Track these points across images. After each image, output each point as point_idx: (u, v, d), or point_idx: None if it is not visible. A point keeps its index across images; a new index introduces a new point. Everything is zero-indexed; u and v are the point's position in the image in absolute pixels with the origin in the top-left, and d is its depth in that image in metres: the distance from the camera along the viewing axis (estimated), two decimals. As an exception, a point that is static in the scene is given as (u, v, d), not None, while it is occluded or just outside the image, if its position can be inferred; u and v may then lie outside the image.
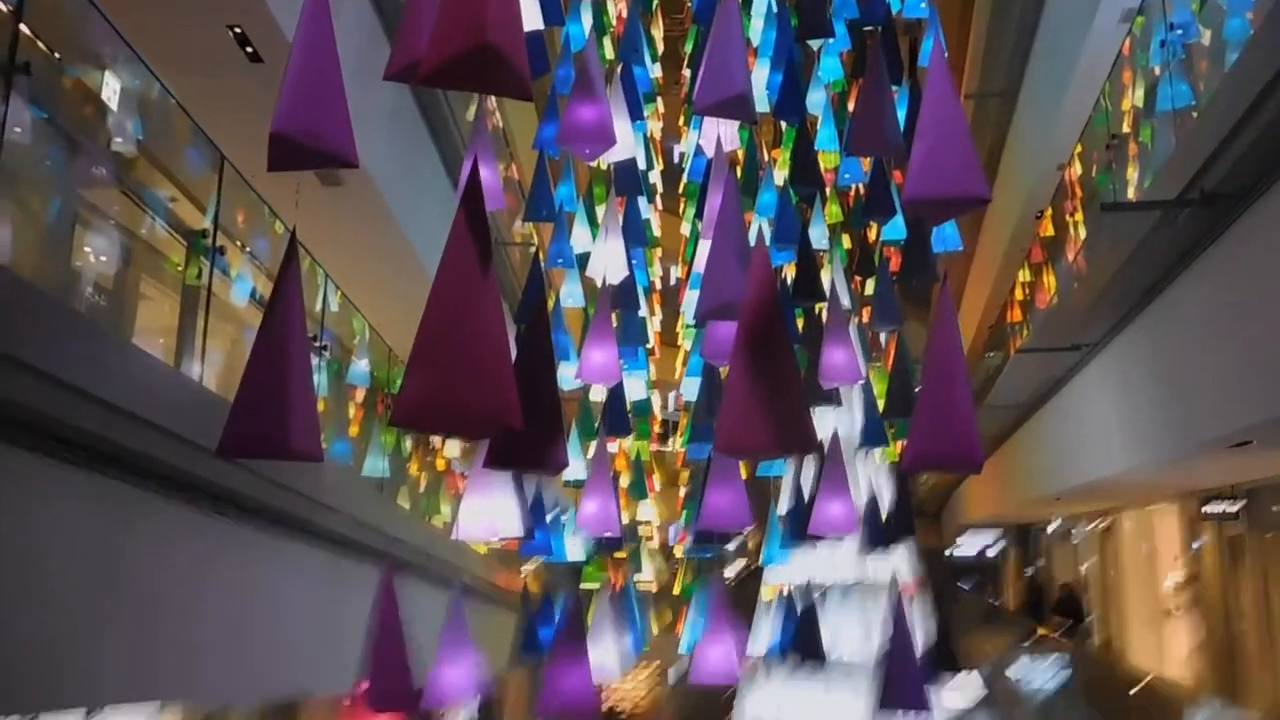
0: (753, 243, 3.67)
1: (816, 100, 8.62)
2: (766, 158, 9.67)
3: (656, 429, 16.69)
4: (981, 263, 22.98)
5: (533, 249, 12.23)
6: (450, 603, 4.72)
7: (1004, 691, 15.49)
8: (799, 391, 3.42)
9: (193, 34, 7.37)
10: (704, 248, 7.47)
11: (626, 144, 6.46)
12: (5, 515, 4.72)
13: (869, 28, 7.97)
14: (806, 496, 8.68)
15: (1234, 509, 14.01)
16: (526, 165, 13.71)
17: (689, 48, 10.53)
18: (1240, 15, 8.10)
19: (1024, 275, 16.24)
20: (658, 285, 14.58)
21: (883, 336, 11.81)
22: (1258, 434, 8.81)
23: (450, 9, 2.67)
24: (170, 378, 6.42)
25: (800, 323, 8.22)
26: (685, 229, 12.55)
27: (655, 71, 10.66)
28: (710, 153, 7.17)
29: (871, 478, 10.38)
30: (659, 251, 13.47)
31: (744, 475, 6.13)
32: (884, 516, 8.47)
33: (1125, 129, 10.96)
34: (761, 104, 7.35)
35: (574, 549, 9.63)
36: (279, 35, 7.23)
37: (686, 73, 11.14)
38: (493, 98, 5.64)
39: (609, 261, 7.12)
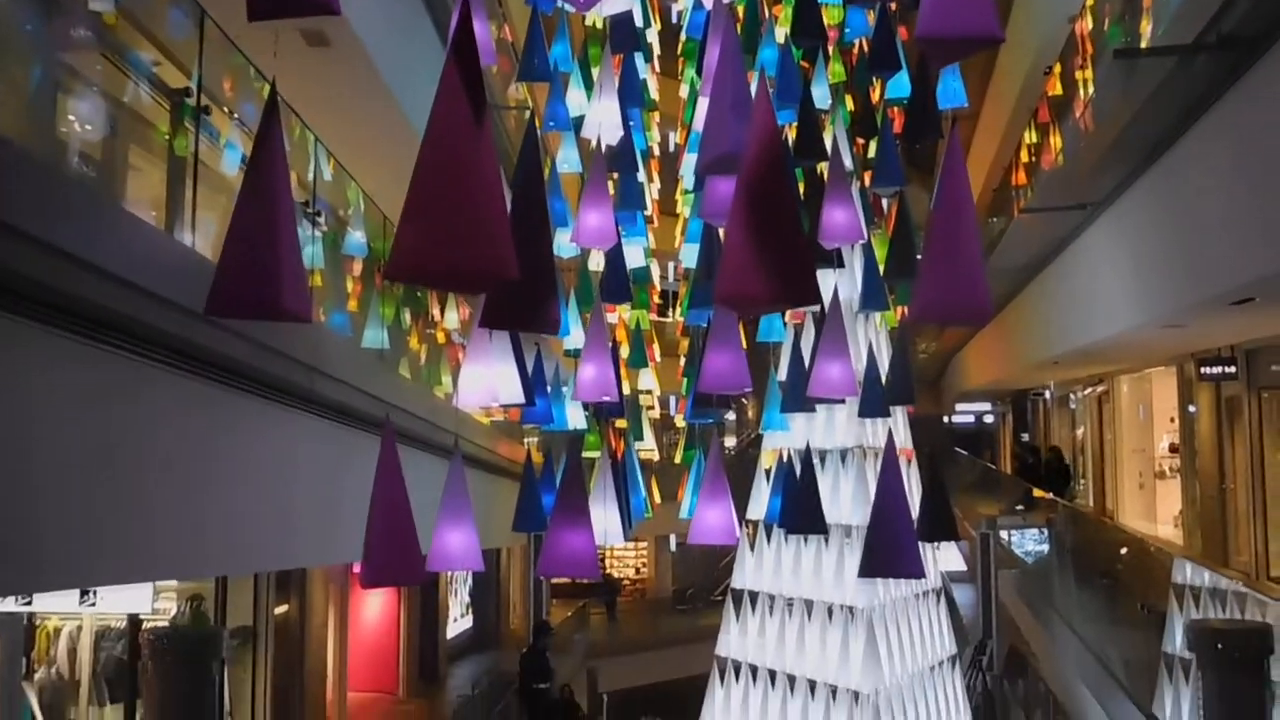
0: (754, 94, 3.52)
1: (818, -52, 8.25)
2: (767, 14, 9.33)
3: (656, 299, 16.61)
4: (986, 125, 22.57)
5: (528, 113, 11.94)
6: (451, 467, 4.71)
7: (999, 554, 15.85)
8: (801, 241, 3.33)
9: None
10: (703, 106, 7.27)
11: (622, -6, 6.23)
12: (-1, 385, 4.69)
13: None
14: (806, 362, 8.67)
15: (1231, 369, 14.10)
16: (520, 28, 13.27)
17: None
18: None
19: (1030, 137, 15.93)
20: (656, 151, 14.29)
21: (885, 202, 11.65)
22: (1261, 290, 8.76)
23: None
24: (166, 244, 6.30)
25: (801, 186, 8.05)
26: (684, 91, 12.21)
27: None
28: (709, 3, 6.92)
29: (871, 341, 10.36)
30: (657, 116, 13.15)
31: (743, 343, 6.11)
32: (883, 381, 8.50)
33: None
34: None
35: (575, 417, 9.69)
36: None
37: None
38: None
39: (605, 121, 6.95)
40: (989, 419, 36.54)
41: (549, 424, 9.10)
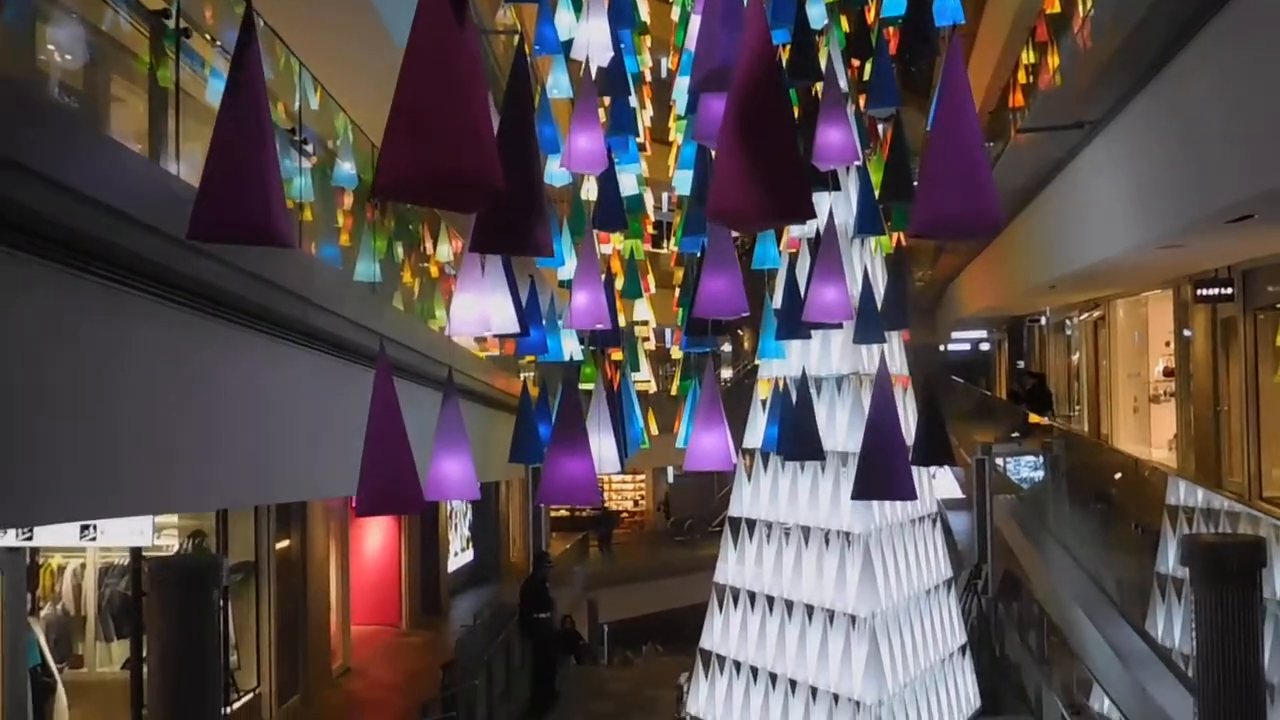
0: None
1: None
2: (760, -70, 9.09)
3: (650, 230, 16.48)
4: (983, 47, 22.20)
5: (516, 37, 11.74)
6: (445, 395, 4.67)
7: (994, 479, 15.95)
8: (794, 153, 3.25)
9: None
10: (695, 26, 7.11)
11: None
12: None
13: None
14: (802, 289, 8.62)
15: (1228, 291, 14.05)
16: (505, -50, 12.96)
17: None
18: None
19: (1027, 57, 15.68)
20: (648, 76, 14.07)
21: (880, 128, 11.51)
22: (1260, 207, 8.68)
23: None
24: (153, 173, 6.19)
25: (795, 109, 7.92)
26: (675, 14, 11.98)
27: None
28: (699, -82, 6.73)
29: (866, 266, 10.29)
30: (648, 40, 12.91)
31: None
32: (878, 306, 8.45)
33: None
34: None
35: (570, 348, 9.66)
36: None
37: None
38: None
39: (594, 41, 6.80)
40: (985, 346, 36.57)
41: (544, 354, 9.08)
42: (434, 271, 15.19)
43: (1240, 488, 13.94)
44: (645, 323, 15.66)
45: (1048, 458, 17.46)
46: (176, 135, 6.89)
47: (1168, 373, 18.21)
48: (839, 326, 8.27)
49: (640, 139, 11.72)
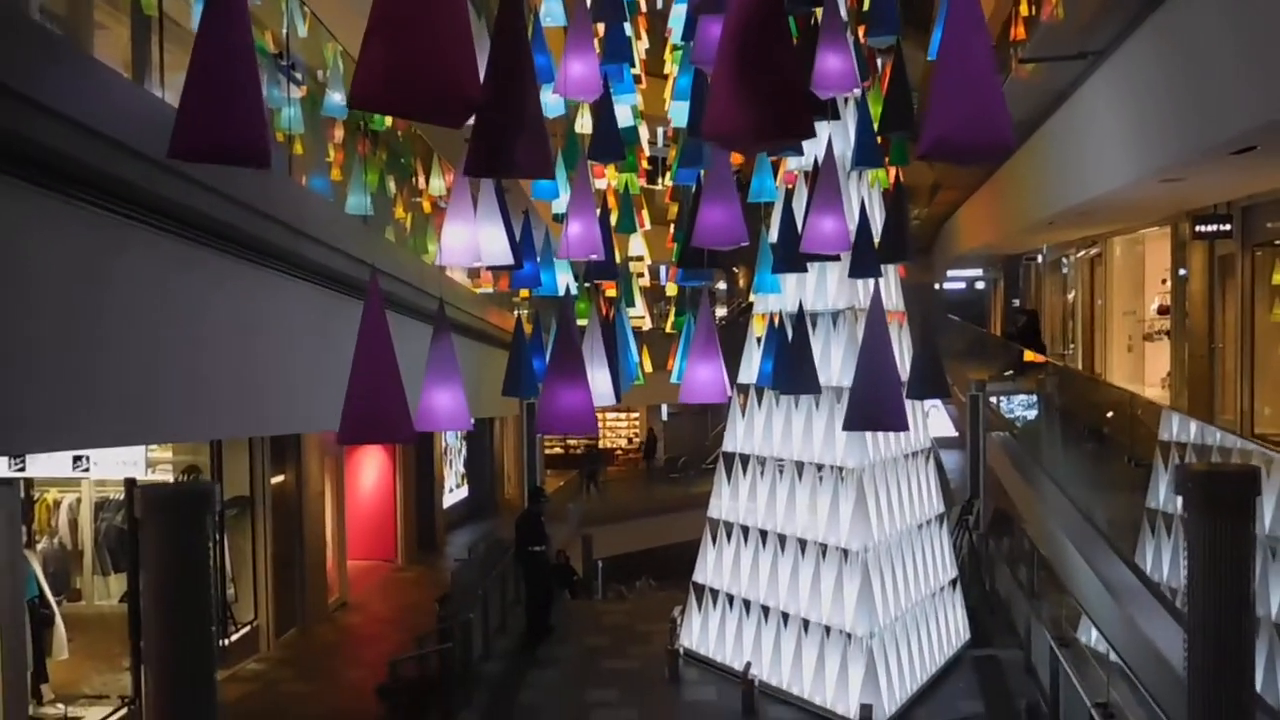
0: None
1: None
2: None
3: (644, 165, 16.29)
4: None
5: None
6: (436, 325, 4.61)
7: (988, 416, 15.98)
8: (792, 71, 3.16)
9: None
10: (690, -52, 6.94)
11: None
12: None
13: None
14: (799, 223, 8.53)
15: (1226, 227, 13.98)
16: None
17: None
18: None
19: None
20: (643, 6, 13.79)
21: (879, 62, 11.31)
22: (1263, 137, 8.56)
23: None
24: (139, 97, 6.05)
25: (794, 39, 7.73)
26: (670, -58, 11.68)
27: None
28: None
29: (864, 200, 10.17)
30: (644, -30, 12.61)
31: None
32: (875, 241, 8.37)
33: None
34: None
35: (564, 282, 9.58)
36: None
37: None
38: None
39: (588, -36, 6.63)
40: (980, 285, 36.51)
41: (537, 288, 9.01)
42: (427, 206, 15.03)
43: (1233, 425, 13.98)
44: (640, 258, 15.55)
45: (1041, 395, 17.49)
46: (161, 61, 6.74)
47: (1162, 310, 18.19)
48: (836, 258, 8.20)
49: (635, 70, 11.53)
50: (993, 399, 17.83)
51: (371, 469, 19.76)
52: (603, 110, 7.43)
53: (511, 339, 8.57)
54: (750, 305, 14.21)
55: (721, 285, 36.77)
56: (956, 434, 22.18)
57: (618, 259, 10.76)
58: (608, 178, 12.89)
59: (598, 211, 7.16)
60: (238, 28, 3.08)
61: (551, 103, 7.96)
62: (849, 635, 10.10)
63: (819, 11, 6.96)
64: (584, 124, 11.28)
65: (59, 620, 10.01)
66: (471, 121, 3.48)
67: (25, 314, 4.85)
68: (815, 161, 8.73)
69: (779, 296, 11.22)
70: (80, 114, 4.91)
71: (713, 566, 12.04)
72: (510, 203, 6.62)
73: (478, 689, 11.17)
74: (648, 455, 33.12)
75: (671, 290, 21.05)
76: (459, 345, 4.65)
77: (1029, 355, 18.98)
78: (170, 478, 11.65)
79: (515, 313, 16.52)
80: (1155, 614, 8.54)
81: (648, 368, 12.82)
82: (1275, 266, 13.70)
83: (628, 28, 9.74)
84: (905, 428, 5.39)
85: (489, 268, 11.12)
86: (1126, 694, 8.63)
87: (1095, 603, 9.86)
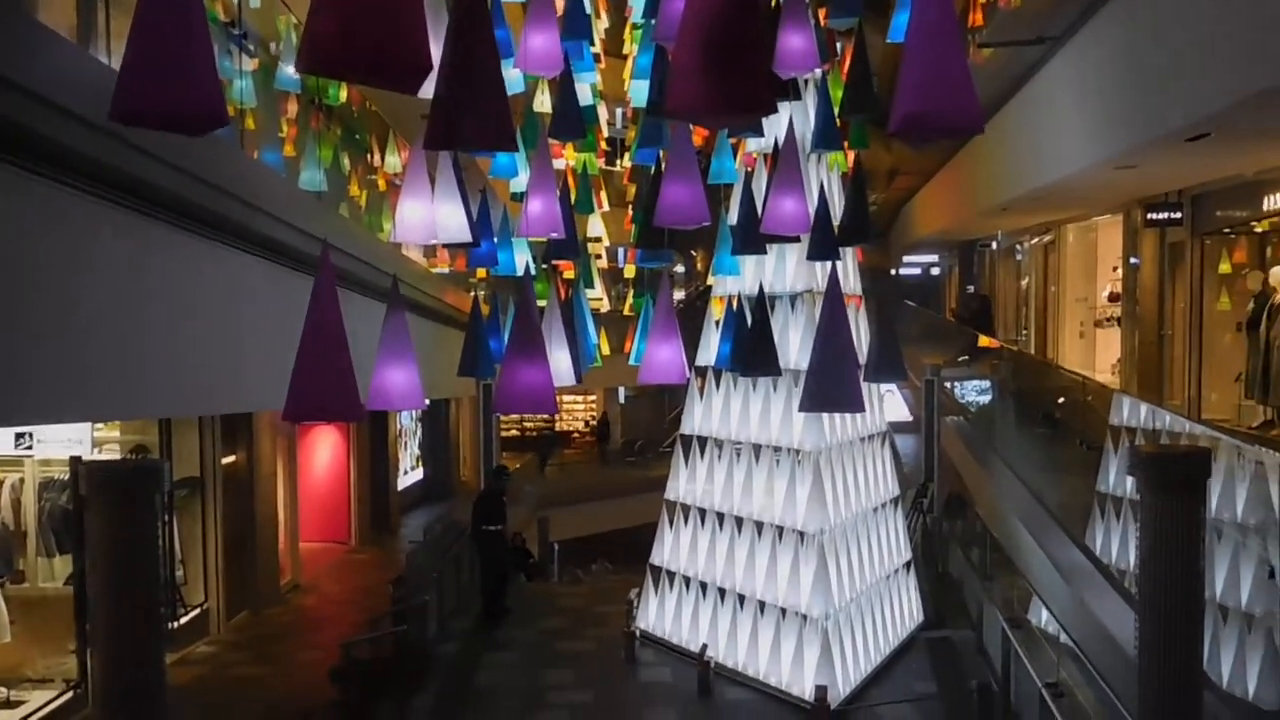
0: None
1: None
2: None
3: (603, 145, 16.18)
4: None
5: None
6: (390, 302, 4.52)
7: (943, 401, 16.12)
8: (756, 45, 3.12)
9: None
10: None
11: None
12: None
13: None
14: (758, 205, 8.51)
15: (1177, 215, 14.18)
16: None
17: None
18: None
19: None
20: (602, -12, 13.67)
21: (839, 46, 11.32)
22: (1217, 124, 8.66)
23: None
24: (87, 62, 5.86)
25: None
26: (632, -81, 11.57)
27: None
28: None
29: (823, 183, 10.18)
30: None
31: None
32: (834, 223, 8.37)
33: None
34: None
35: (522, 263, 9.50)
36: None
37: None
38: None
39: (549, -63, 6.51)
40: (935, 271, 36.85)
41: (495, 267, 8.91)
42: (382, 184, 14.84)
43: (1180, 410, 14.23)
44: (598, 239, 15.47)
45: (995, 380, 17.68)
46: (107, 25, 6.54)
47: (1113, 298, 18.46)
48: (796, 240, 8.18)
49: (595, 48, 11.44)
50: (947, 384, 18.01)
51: (325, 449, 19.54)
52: (564, 87, 7.34)
53: (468, 319, 8.49)
54: (709, 288, 14.19)
55: (679, 268, 36.75)
56: (911, 418, 22.38)
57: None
58: (566, 157, 12.80)
59: (557, 191, 7.09)
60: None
61: (510, 79, 7.84)
62: (805, 617, 10.15)
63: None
64: (543, 102, 11.19)
65: (1, 602, 9.78)
66: (431, 95, 3.39)
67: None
68: (776, 144, 8.71)
69: (738, 279, 11.22)
70: (21, 77, 4.74)
71: (670, 548, 12.04)
72: (467, 181, 6.52)
73: (433, 671, 11.09)
74: (601, 439, 33.03)
75: (630, 272, 21.04)
76: (414, 324, 4.56)
77: (984, 340, 19.19)
78: (117, 457, 11.42)
79: (472, 292, 16.40)
80: (1105, 595, 8.67)
81: (605, 350, 12.78)
82: (1223, 255, 13.94)
83: (587, 4, 9.65)
84: (862, 409, 5.38)
85: (446, 246, 11.00)
86: (1076, 674, 8.76)
87: (1046, 584, 10.00)
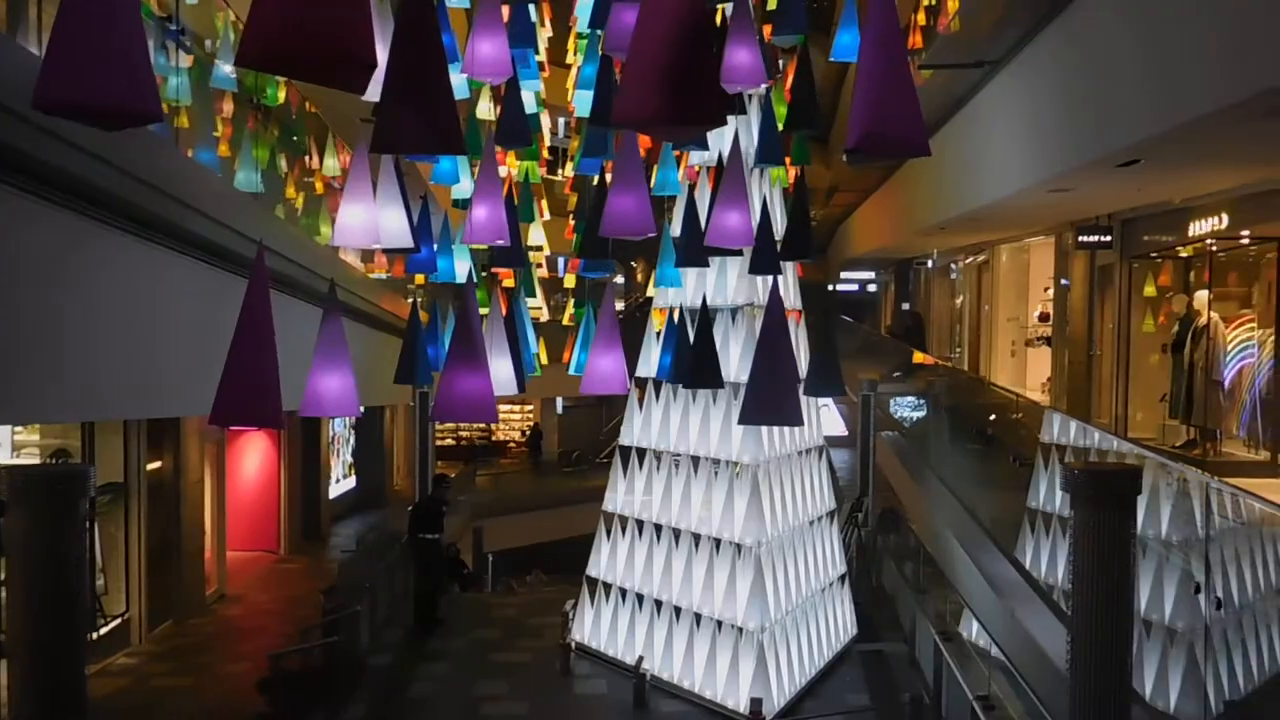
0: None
1: None
2: None
3: (545, 154, 16.12)
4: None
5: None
6: (326, 309, 4.42)
7: (878, 416, 16.28)
8: (708, 57, 3.15)
9: None
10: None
11: None
12: None
13: None
14: (701, 218, 8.53)
15: (1107, 238, 14.53)
16: None
17: None
18: None
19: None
20: (546, -5, 13.62)
21: (780, 63, 11.41)
22: (1147, 152, 8.89)
23: None
24: (14, 52, 5.65)
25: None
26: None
27: None
28: None
29: (765, 197, 10.23)
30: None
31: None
32: (775, 237, 8.41)
33: None
34: None
35: (462, 270, 9.40)
36: None
37: None
38: None
39: (497, -58, 6.46)
40: (872, 287, 37.34)
41: (434, 274, 8.80)
42: (319, 186, 14.60)
43: (1107, 429, 14.56)
44: (539, 248, 15.39)
45: (930, 395, 17.92)
46: (39, 15, 6.33)
47: (1043, 317, 18.86)
48: (739, 253, 8.21)
49: (540, 56, 11.38)
50: (883, 399, 18.21)
51: (255, 456, 19.14)
52: (511, 95, 7.28)
53: (407, 326, 8.36)
54: (648, 299, 14.18)
55: (619, 279, 36.73)
56: (846, 432, 22.60)
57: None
58: (508, 165, 12.71)
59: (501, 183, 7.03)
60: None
61: (454, 85, 7.74)
62: (740, 629, 10.16)
63: (724, 8, 6.97)
64: (485, 109, 11.10)
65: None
66: (374, 97, 3.33)
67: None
68: (720, 157, 8.74)
69: (679, 291, 11.22)
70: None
71: (606, 560, 11.98)
72: (408, 187, 6.43)
73: (364, 682, 10.89)
74: (534, 450, 32.77)
75: (569, 282, 20.95)
76: (350, 330, 4.46)
77: (918, 357, 19.46)
78: (37, 461, 11.06)
79: (410, 299, 16.19)
80: (1035, 608, 8.81)
81: (544, 359, 12.70)
82: (1149, 279, 14.33)
83: (532, 13, 9.60)
84: (801, 423, 5.39)
85: (385, 250, 10.84)
86: (1006, 686, 8.88)
87: (978, 597, 10.13)
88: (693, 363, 7.86)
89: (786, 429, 11.09)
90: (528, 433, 34.51)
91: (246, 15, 2.50)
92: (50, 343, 5.96)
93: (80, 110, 2.77)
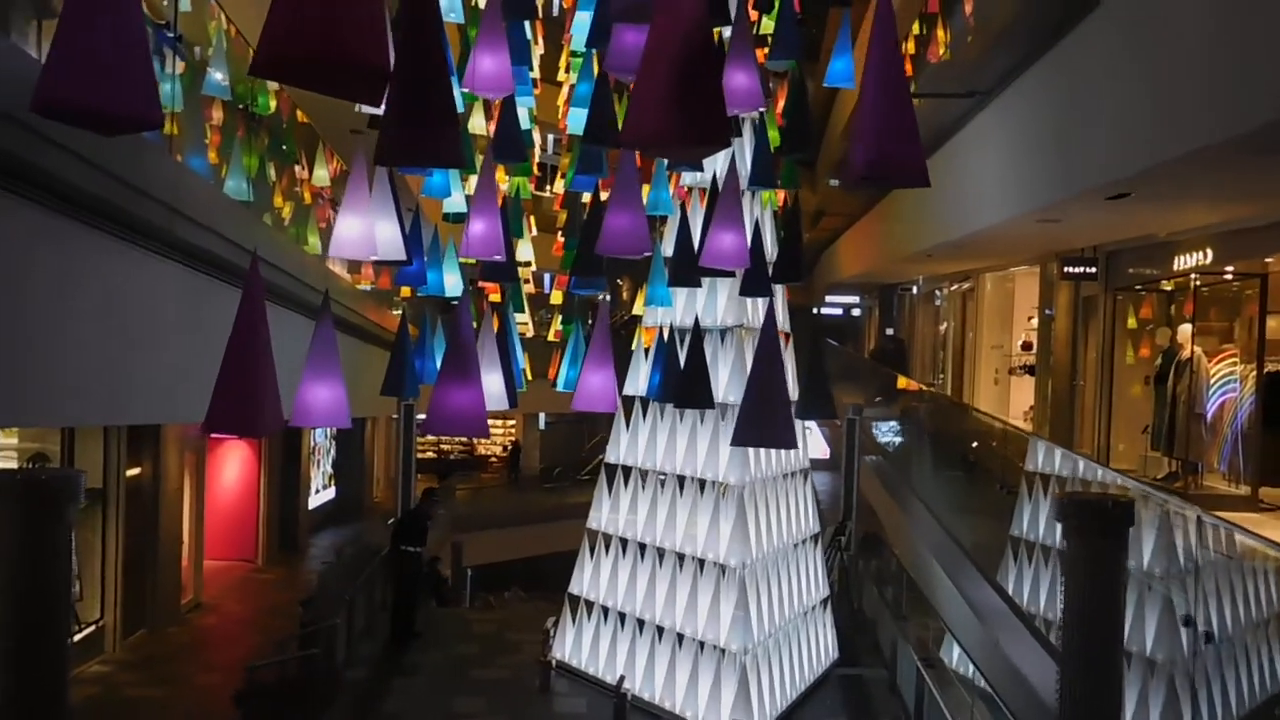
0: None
1: None
2: None
3: (535, 171, 16.12)
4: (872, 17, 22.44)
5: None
6: (319, 318, 4.39)
7: (864, 440, 16.31)
8: (716, 81, 3.18)
9: None
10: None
11: None
12: None
13: None
14: (693, 237, 8.55)
15: (1092, 270, 14.63)
16: None
17: None
18: None
19: (916, 28, 15.89)
20: (538, 13, 13.66)
21: (771, 85, 11.49)
22: (1137, 185, 8.97)
23: None
24: (7, 52, 5.60)
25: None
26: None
27: None
28: None
29: (757, 219, 10.27)
30: (544, -25, 12.48)
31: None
32: (767, 259, 8.44)
33: None
34: None
35: (452, 284, 9.38)
36: None
37: None
38: None
39: (499, -41, 6.47)
40: (856, 312, 37.49)
41: (423, 287, 8.77)
42: (307, 197, 14.54)
43: (1090, 459, 14.64)
44: (527, 264, 15.38)
45: (915, 419, 17.97)
46: (39, 22, 6.29)
47: (1026, 346, 18.96)
48: (733, 274, 8.23)
49: (534, 73, 11.41)
50: (868, 423, 18.24)
51: (234, 465, 18.98)
52: (509, 110, 7.29)
53: (395, 338, 8.32)
54: (634, 318, 14.18)
55: (605, 297, 36.70)
56: (828, 456, 22.64)
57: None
58: (499, 181, 12.70)
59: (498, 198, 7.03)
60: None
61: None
62: (723, 651, 10.12)
63: (719, 31, 7.00)
64: (477, 124, 11.10)
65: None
66: (369, 110, 3.33)
67: None
68: (715, 177, 8.77)
69: (668, 310, 11.24)
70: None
71: (589, 578, 11.93)
72: (400, 198, 6.42)
73: (341, 696, 10.78)
74: (512, 466, 32.56)
75: (556, 298, 20.93)
76: (338, 342, 4.43)
77: (902, 381, 19.53)
78: (15, 465, 10.93)
79: (398, 310, 16.14)
80: (1019, 637, 8.81)
81: (529, 375, 12.67)
82: (1131, 310, 14.44)
83: (527, 30, 9.63)
84: (795, 446, 5.41)
85: (376, 262, 10.80)
86: (987, 713, 8.88)
87: (960, 624, 10.14)
88: (684, 383, 7.86)
89: (773, 450, 11.09)
90: (509, 448, 34.38)
91: (245, 23, 2.50)
92: (36, 346, 5.90)
93: (81, 115, 2.74)
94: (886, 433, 19.29)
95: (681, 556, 10.81)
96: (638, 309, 13.32)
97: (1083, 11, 9.19)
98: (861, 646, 12.80)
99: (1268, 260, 11.02)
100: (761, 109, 8.40)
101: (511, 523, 24.90)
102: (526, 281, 16.98)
